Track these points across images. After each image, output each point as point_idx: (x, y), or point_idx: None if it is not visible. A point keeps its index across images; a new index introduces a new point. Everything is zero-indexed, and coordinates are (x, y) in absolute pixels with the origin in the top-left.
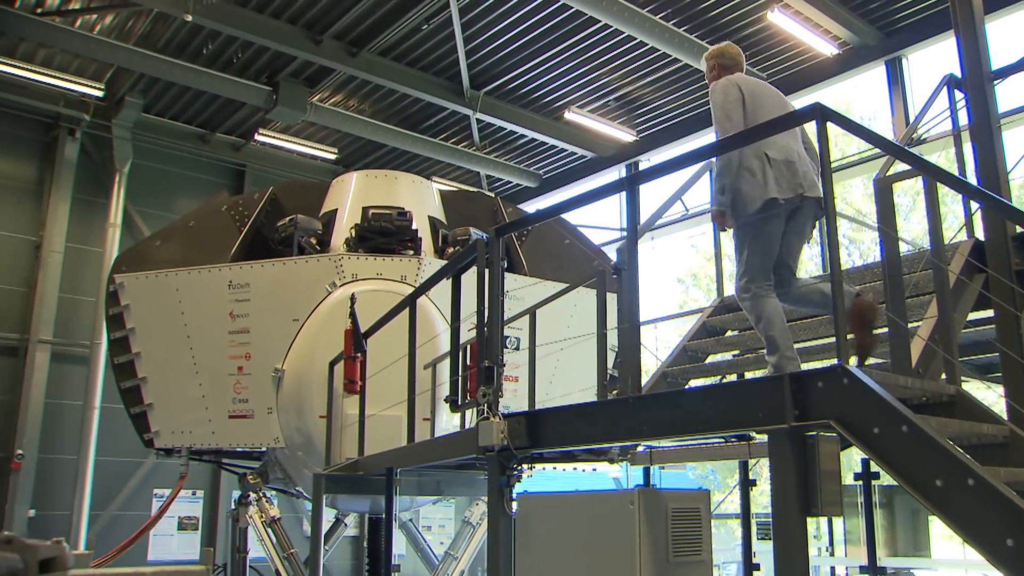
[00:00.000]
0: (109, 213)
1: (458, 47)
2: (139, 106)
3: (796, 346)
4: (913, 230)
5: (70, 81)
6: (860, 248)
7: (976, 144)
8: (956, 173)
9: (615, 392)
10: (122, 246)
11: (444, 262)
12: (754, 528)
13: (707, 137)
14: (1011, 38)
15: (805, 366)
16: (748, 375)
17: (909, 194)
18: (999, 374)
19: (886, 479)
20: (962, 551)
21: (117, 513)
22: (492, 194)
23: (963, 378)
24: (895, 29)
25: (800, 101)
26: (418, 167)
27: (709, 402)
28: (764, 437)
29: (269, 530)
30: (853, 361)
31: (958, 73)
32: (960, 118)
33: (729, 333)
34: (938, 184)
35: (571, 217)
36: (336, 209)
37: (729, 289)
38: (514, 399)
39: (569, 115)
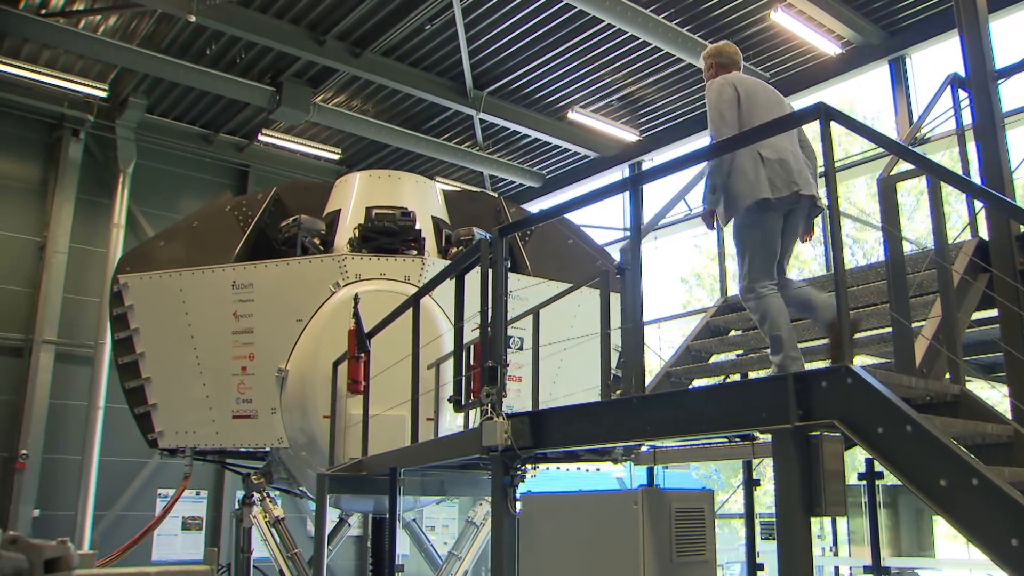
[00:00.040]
0: (113, 213)
1: (461, 47)
2: (143, 106)
3: (800, 346)
4: (917, 230)
5: (74, 82)
6: (864, 248)
7: (980, 143)
8: (960, 172)
9: (619, 392)
10: (126, 246)
11: (447, 262)
12: (758, 528)
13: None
14: (1015, 37)
15: (809, 366)
16: (752, 375)
17: (913, 194)
18: (1003, 374)
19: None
20: (966, 551)
21: (121, 513)
22: (495, 194)
23: (967, 378)
24: (899, 28)
25: (803, 100)
26: (421, 167)
27: (713, 402)
28: (768, 437)
29: (273, 530)
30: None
31: (962, 72)
32: (964, 117)
33: (733, 333)
34: (942, 183)
35: (574, 217)
36: (339, 209)
37: (732, 289)
38: (517, 399)
39: (572, 115)
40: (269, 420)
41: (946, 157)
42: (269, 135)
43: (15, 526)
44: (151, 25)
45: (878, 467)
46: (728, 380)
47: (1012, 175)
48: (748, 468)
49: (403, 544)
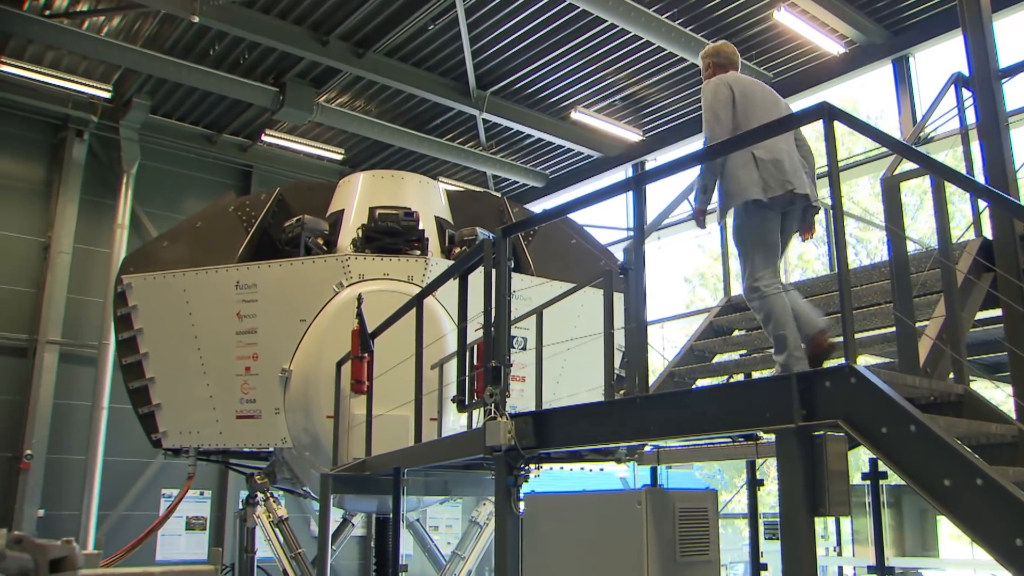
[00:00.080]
0: (117, 214)
1: (464, 47)
2: (146, 107)
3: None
4: (920, 229)
5: (78, 83)
6: (867, 247)
7: (984, 143)
8: (964, 172)
9: (622, 392)
10: (130, 247)
11: (451, 262)
12: (761, 528)
13: None
14: (1019, 36)
15: None
16: (755, 375)
17: (916, 193)
18: (1007, 373)
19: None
20: (971, 551)
21: (125, 513)
22: (498, 194)
23: (971, 377)
24: (902, 28)
25: (806, 100)
26: (424, 167)
27: (716, 402)
28: (771, 437)
29: (276, 530)
30: None
31: (965, 71)
32: (968, 117)
33: (736, 333)
34: (946, 183)
35: (578, 217)
36: (343, 209)
37: (736, 288)
38: (521, 399)
39: (575, 115)
40: (273, 420)
41: (950, 156)
42: (272, 135)
43: (20, 526)
44: (155, 26)
45: (882, 467)
46: (732, 380)
47: (1016, 174)
48: (752, 468)
49: (407, 544)
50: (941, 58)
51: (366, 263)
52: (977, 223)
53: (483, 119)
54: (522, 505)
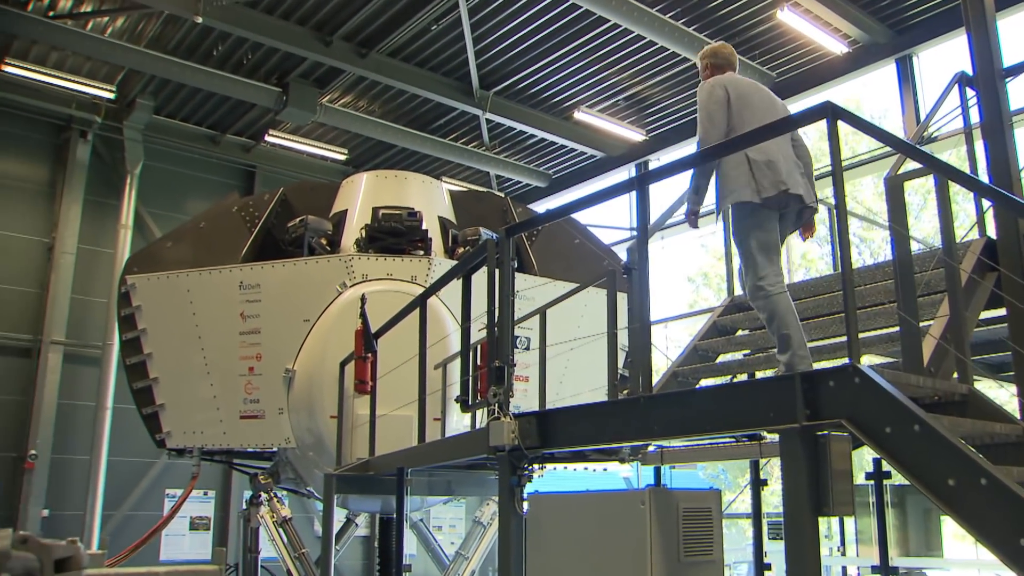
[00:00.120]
0: (120, 214)
1: (467, 47)
2: (150, 108)
3: (808, 345)
4: (924, 229)
5: (82, 83)
6: (871, 247)
7: (988, 142)
8: (968, 171)
9: (625, 392)
10: (133, 247)
11: (454, 262)
12: (765, 528)
13: None
14: (1023, 35)
15: (816, 365)
16: (759, 374)
17: (920, 192)
18: (1012, 373)
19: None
20: (975, 551)
21: (129, 513)
22: (502, 194)
23: (975, 377)
24: (906, 27)
25: (810, 99)
26: (428, 167)
27: (720, 402)
28: (775, 436)
29: (280, 530)
30: None
31: (969, 71)
32: (971, 116)
33: (740, 332)
34: (949, 182)
35: (581, 217)
36: (346, 210)
37: (739, 288)
38: (524, 399)
39: (578, 115)
40: (276, 420)
41: (953, 156)
42: (276, 136)
43: (24, 526)
44: (158, 26)
45: (886, 467)
46: (735, 380)
47: (1020, 173)
48: (755, 468)
49: (410, 544)
50: (945, 57)
51: (369, 263)
52: (981, 222)
53: (486, 119)
54: (526, 505)
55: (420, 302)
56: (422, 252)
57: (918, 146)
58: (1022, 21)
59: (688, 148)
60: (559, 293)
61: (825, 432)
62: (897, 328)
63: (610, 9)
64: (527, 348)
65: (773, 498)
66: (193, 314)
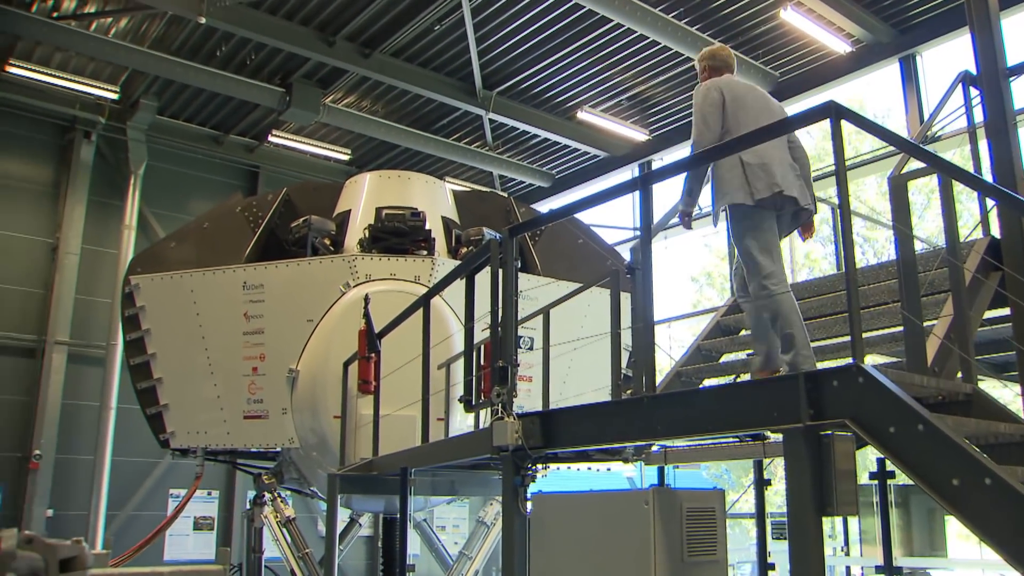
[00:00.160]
0: (124, 215)
1: (470, 47)
2: (153, 108)
3: (812, 344)
4: (928, 228)
5: (86, 84)
6: (875, 247)
7: (992, 141)
8: (971, 170)
9: (629, 392)
10: (137, 248)
11: (458, 262)
12: (769, 528)
13: None
14: None
15: (820, 365)
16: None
17: (924, 192)
18: (1016, 372)
19: (902, 478)
20: (979, 551)
21: (133, 513)
22: (505, 194)
23: (979, 377)
24: (909, 26)
25: (813, 99)
26: (431, 167)
27: (723, 401)
28: (779, 436)
29: (284, 530)
30: None
31: (973, 70)
32: (975, 115)
33: (743, 332)
34: (953, 182)
35: (584, 217)
36: (349, 210)
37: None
38: (528, 399)
39: (582, 115)
40: (280, 420)
41: (957, 155)
42: (279, 136)
43: (29, 526)
44: (161, 27)
45: (890, 466)
46: (739, 379)
47: None
48: (759, 468)
49: (414, 544)
50: (948, 57)
51: (373, 263)
52: (985, 222)
53: (489, 119)
54: (529, 505)
55: (423, 302)
56: (425, 252)
57: (922, 145)
58: None
59: None
60: (562, 293)
61: (829, 432)
62: (901, 328)
63: (613, 9)
64: (530, 348)
65: (777, 498)
66: (197, 314)
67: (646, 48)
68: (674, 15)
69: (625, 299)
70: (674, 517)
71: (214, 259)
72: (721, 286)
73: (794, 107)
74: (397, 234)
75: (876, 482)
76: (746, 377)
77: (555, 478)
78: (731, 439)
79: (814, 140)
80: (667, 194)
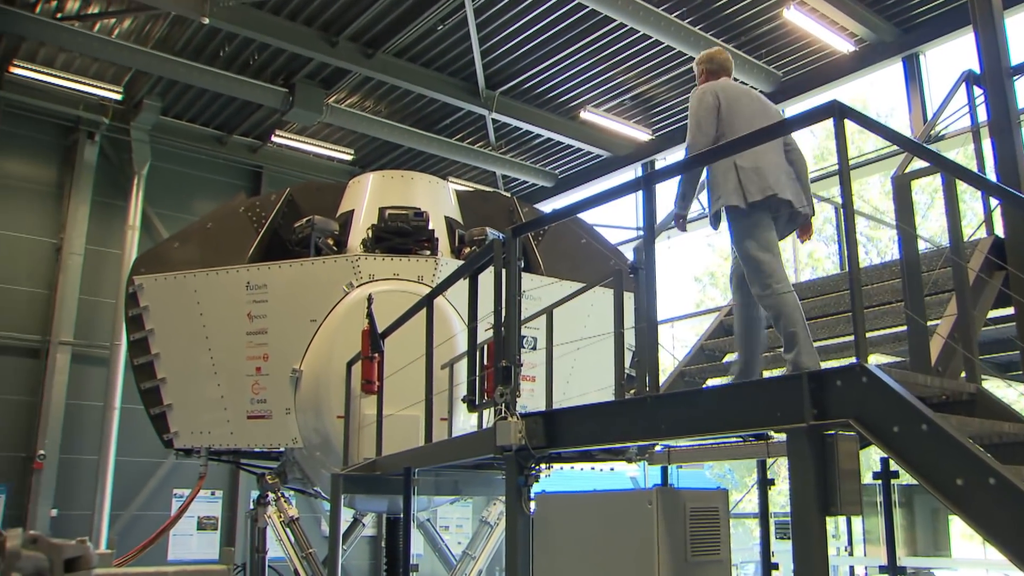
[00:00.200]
0: (128, 215)
1: (473, 47)
2: (157, 109)
3: (816, 344)
4: (931, 227)
5: (89, 85)
6: (878, 246)
7: (995, 140)
8: (975, 170)
9: (632, 391)
10: (141, 248)
11: (461, 262)
12: (772, 527)
13: None
14: None
15: (824, 365)
16: (766, 374)
17: (927, 191)
18: (1020, 372)
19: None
20: (983, 550)
21: (137, 513)
22: (508, 194)
23: (983, 376)
24: (912, 25)
25: (816, 98)
26: (434, 167)
27: (727, 401)
28: (782, 436)
29: (287, 530)
30: None
31: (977, 69)
32: (979, 114)
33: None
34: (957, 181)
35: (587, 217)
36: (353, 210)
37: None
38: (531, 399)
39: (585, 114)
40: (283, 420)
41: (961, 154)
42: (282, 136)
43: (33, 525)
44: (165, 28)
45: (893, 466)
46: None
47: None
48: (762, 467)
49: (417, 544)
50: (952, 56)
51: (376, 263)
52: (989, 221)
53: (492, 119)
54: (532, 505)
55: (427, 302)
56: (428, 252)
57: (925, 145)
58: None
59: None
60: (566, 293)
61: (832, 432)
62: (904, 327)
63: (616, 9)
64: (534, 348)
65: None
66: (200, 314)
67: (649, 48)
68: (677, 15)
69: (628, 299)
70: (678, 517)
71: (218, 259)
72: (724, 286)
73: (797, 106)
74: (400, 234)
75: (880, 482)
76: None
77: (558, 478)
78: (734, 439)
79: (817, 139)
80: (670, 194)
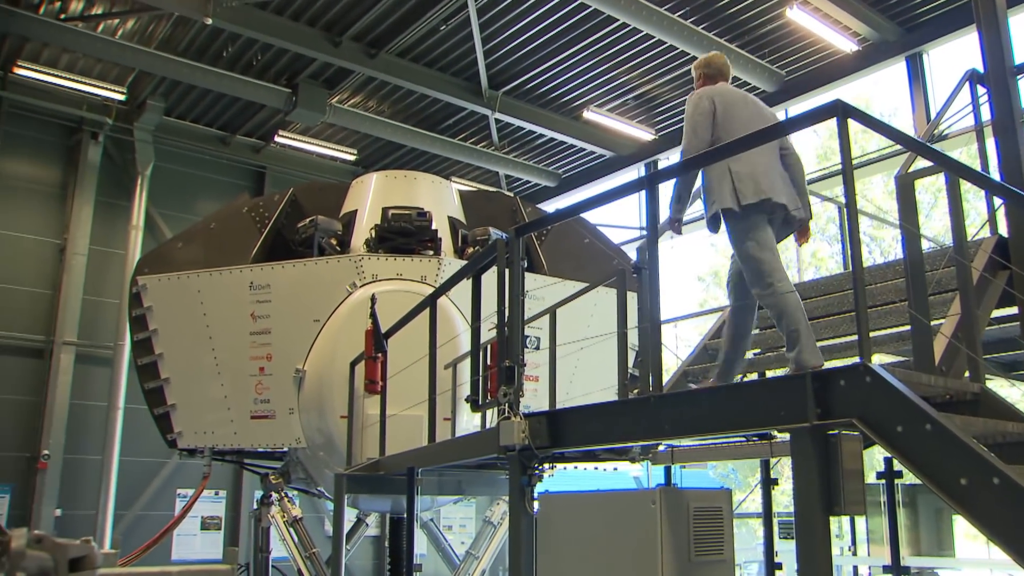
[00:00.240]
0: (131, 215)
1: (476, 47)
2: (160, 109)
3: (819, 344)
4: (935, 227)
5: (93, 85)
6: (881, 246)
7: (999, 140)
8: (979, 169)
9: (636, 391)
10: (144, 248)
11: (464, 262)
12: (776, 527)
13: None
14: None
15: (827, 364)
16: (769, 373)
17: (931, 191)
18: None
19: (909, 478)
20: (987, 550)
21: (141, 513)
22: (511, 194)
23: (987, 376)
24: (915, 24)
25: (819, 98)
26: (437, 167)
27: (730, 401)
28: (786, 436)
29: (291, 530)
30: None
31: (980, 68)
32: (982, 114)
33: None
34: (960, 180)
35: (590, 216)
36: (356, 210)
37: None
38: (535, 399)
39: (588, 114)
40: (287, 420)
41: (964, 154)
42: (285, 136)
43: (37, 525)
44: (168, 28)
45: (897, 466)
46: (746, 379)
47: None
48: (766, 467)
49: (420, 544)
50: (955, 55)
51: (379, 263)
52: (992, 220)
53: (495, 119)
54: (536, 505)
55: (430, 302)
56: (432, 252)
57: (929, 144)
58: None
59: None
60: (569, 293)
61: (836, 431)
62: (908, 327)
63: (619, 8)
64: (537, 348)
65: (784, 497)
66: (204, 314)
67: (652, 47)
68: (680, 14)
69: (632, 298)
70: (681, 517)
71: (221, 259)
72: None
73: (800, 106)
74: (403, 234)
75: (884, 481)
76: (753, 376)
77: (562, 478)
78: (738, 438)
79: (820, 139)
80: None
